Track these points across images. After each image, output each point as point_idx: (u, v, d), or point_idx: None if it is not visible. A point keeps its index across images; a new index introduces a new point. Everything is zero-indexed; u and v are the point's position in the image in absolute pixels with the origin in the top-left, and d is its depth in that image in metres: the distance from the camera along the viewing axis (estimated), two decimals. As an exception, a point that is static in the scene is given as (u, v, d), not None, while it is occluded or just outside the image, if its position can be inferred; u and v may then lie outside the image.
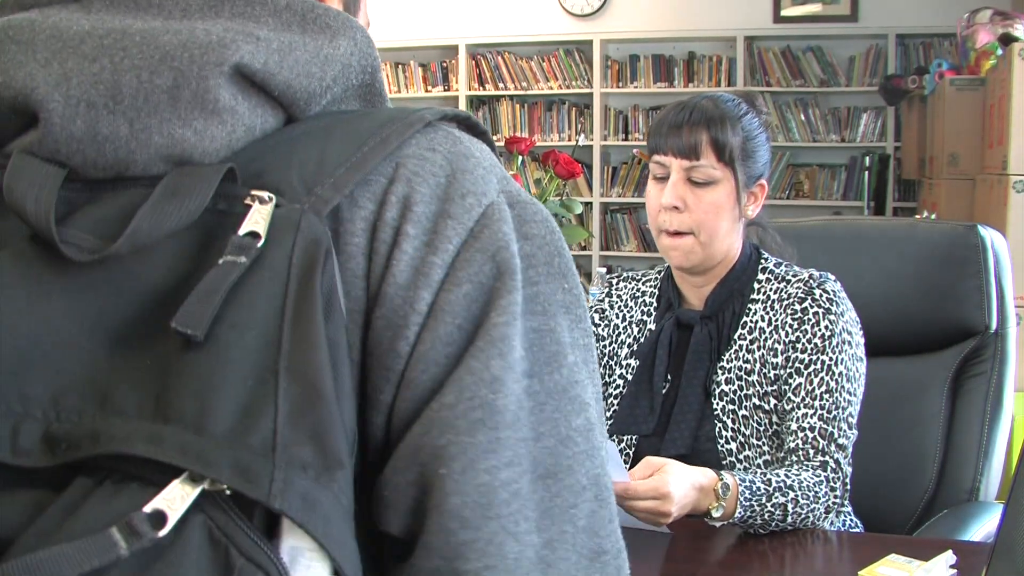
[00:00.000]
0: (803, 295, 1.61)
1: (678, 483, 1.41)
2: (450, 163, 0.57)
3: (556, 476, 0.54)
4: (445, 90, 6.22)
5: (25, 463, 0.46)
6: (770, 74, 5.72)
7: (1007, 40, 3.75)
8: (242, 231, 0.49)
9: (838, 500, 1.54)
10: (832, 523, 1.65)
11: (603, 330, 1.77)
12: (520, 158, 2.52)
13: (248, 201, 0.51)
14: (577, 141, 4.49)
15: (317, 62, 0.56)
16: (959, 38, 4.29)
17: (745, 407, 1.61)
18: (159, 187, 0.51)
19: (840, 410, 1.56)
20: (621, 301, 1.77)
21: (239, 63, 0.53)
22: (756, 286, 1.66)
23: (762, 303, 1.65)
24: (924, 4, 5.40)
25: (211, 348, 0.47)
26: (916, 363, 1.93)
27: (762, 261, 1.69)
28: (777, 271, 1.67)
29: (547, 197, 2.42)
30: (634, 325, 1.74)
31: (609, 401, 1.72)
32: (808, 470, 1.52)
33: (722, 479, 1.45)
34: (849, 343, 1.59)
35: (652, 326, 1.72)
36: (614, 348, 1.74)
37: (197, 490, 0.44)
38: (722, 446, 1.61)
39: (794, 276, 1.65)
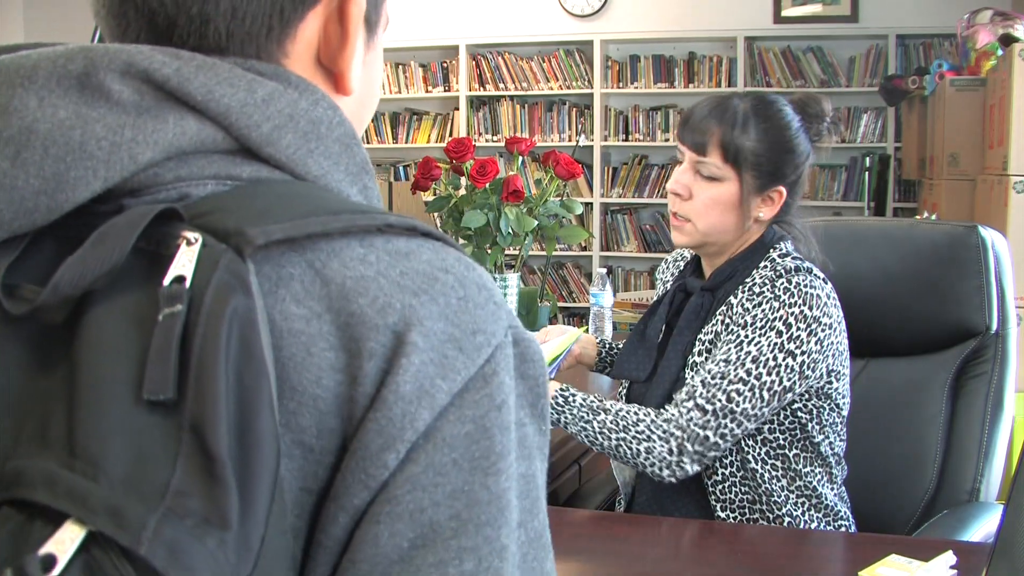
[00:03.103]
0: (767, 281, 1.60)
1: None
2: (463, 287, 0.55)
3: None
4: (445, 90, 6.22)
5: None
6: (770, 74, 5.72)
7: (1007, 40, 3.75)
8: (168, 279, 0.49)
9: (677, 459, 1.53)
10: (827, 526, 1.64)
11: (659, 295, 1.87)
12: (520, 158, 2.52)
13: (179, 242, 0.50)
14: (577, 142, 4.48)
15: None
16: (959, 38, 4.29)
17: None
18: (93, 234, 0.50)
19: (725, 381, 1.54)
20: (668, 267, 1.91)
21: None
22: (756, 273, 1.65)
23: (750, 287, 1.63)
24: (924, 4, 5.40)
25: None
26: (916, 364, 1.93)
27: (771, 251, 1.67)
28: (779, 261, 1.64)
29: (547, 198, 2.42)
30: (664, 285, 1.87)
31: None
32: (649, 413, 1.57)
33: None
34: (779, 332, 1.55)
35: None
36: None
37: (84, 532, 0.45)
38: None
39: (783, 267, 1.62)
